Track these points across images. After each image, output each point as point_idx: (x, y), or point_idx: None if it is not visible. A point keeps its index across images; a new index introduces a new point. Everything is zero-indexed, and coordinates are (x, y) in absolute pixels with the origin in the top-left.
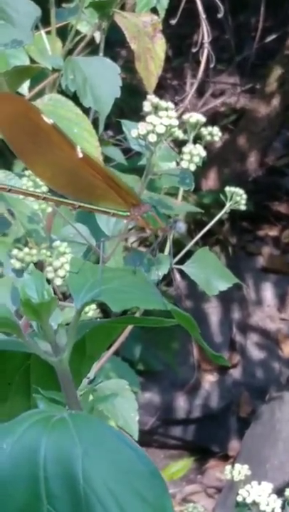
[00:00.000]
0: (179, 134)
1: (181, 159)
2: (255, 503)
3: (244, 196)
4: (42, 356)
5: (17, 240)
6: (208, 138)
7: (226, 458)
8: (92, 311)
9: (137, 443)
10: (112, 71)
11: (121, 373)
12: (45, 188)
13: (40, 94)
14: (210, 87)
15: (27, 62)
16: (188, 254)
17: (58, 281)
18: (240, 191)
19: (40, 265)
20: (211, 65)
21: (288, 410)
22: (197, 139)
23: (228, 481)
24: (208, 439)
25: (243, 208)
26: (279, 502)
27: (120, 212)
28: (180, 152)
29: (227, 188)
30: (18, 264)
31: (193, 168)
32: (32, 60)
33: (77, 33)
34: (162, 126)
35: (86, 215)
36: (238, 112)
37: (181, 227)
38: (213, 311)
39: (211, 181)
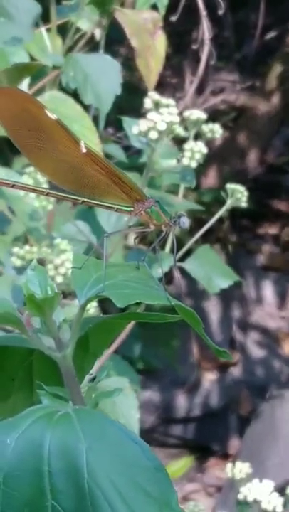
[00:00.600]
0: (180, 131)
1: (182, 156)
2: (256, 501)
3: (245, 193)
4: (45, 352)
5: (16, 238)
6: (209, 135)
7: (226, 456)
8: (93, 308)
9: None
10: (112, 68)
11: (121, 371)
12: (45, 186)
13: (40, 91)
14: (209, 84)
15: (27, 60)
16: (188, 252)
17: (59, 279)
18: (241, 188)
19: (41, 263)
20: (212, 62)
21: None
22: (198, 136)
23: (229, 479)
24: (208, 437)
25: (244, 204)
26: (280, 500)
27: (124, 207)
28: (181, 150)
29: (228, 185)
30: (18, 262)
31: (194, 165)
32: (32, 58)
33: (78, 30)
34: (163, 122)
35: (86, 212)
36: (238, 110)
37: (185, 222)
38: (213, 310)
39: (210, 179)
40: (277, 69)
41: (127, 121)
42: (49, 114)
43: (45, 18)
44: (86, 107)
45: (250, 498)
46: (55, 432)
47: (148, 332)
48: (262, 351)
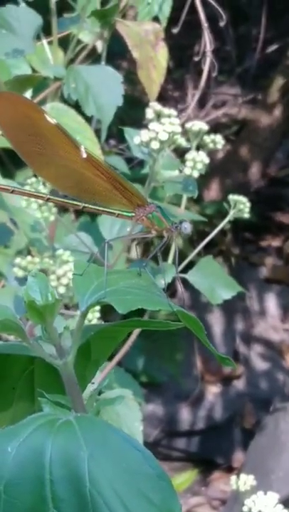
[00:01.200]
0: (182, 141)
1: (184, 167)
2: None
3: (247, 204)
4: (47, 359)
5: (19, 251)
6: (211, 146)
7: (230, 470)
8: (95, 319)
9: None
10: (114, 79)
11: (124, 384)
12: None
13: (42, 103)
14: (211, 98)
15: (29, 72)
16: (191, 265)
17: (62, 290)
18: (243, 199)
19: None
20: (214, 74)
21: None
22: (200, 147)
23: (233, 492)
24: (212, 450)
25: (246, 215)
26: None
27: (125, 212)
28: (182, 161)
29: (230, 196)
30: (21, 273)
31: (196, 175)
32: (34, 70)
33: (79, 42)
34: (165, 133)
35: (89, 225)
36: (240, 123)
37: (187, 227)
38: (217, 322)
39: (213, 192)
40: (278, 82)
41: (128, 131)
42: (49, 118)
43: (46, 30)
44: (88, 118)
45: (254, 511)
46: (56, 439)
47: (151, 345)
48: (265, 364)
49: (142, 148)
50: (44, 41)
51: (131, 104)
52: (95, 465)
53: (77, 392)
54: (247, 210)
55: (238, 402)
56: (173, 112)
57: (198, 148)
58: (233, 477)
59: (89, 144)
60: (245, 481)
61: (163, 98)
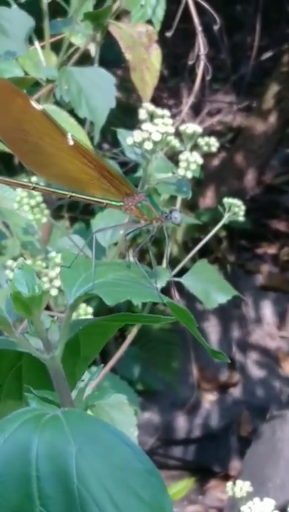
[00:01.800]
0: (176, 143)
1: (178, 167)
2: None
3: (242, 207)
4: (33, 354)
5: (14, 258)
6: (206, 148)
7: (227, 478)
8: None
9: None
10: (107, 81)
11: (120, 391)
12: (39, 198)
13: None
14: (206, 105)
15: (21, 75)
16: (185, 272)
17: (54, 292)
18: (238, 202)
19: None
20: (208, 77)
21: None
22: (194, 150)
23: (230, 500)
24: (208, 458)
25: (241, 219)
26: None
27: (114, 202)
28: (176, 164)
29: (225, 200)
30: (12, 275)
31: (190, 175)
32: (26, 74)
33: (71, 45)
34: (158, 133)
35: (83, 231)
36: (235, 130)
37: (177, 217)
38: (213, 330)
39: (208, 199)
40: (273, 88)
41: (121, 132)
42: (34, 104)
43: (38, 32)
44: (81, 121)
45: None
46: (43, 435)
47: (147, 353)
48: (262, 371)
49: (135, 149)
50: (37, 44)
51: (125, 111)
52: (83, 461)
53: (65, 388)
54: (242, 213)
55: (234, 410)
56: (166, 112)
57: (192, 151)
58: (229, 483)
59: None
60: (241, 487)
61: (157, 105)
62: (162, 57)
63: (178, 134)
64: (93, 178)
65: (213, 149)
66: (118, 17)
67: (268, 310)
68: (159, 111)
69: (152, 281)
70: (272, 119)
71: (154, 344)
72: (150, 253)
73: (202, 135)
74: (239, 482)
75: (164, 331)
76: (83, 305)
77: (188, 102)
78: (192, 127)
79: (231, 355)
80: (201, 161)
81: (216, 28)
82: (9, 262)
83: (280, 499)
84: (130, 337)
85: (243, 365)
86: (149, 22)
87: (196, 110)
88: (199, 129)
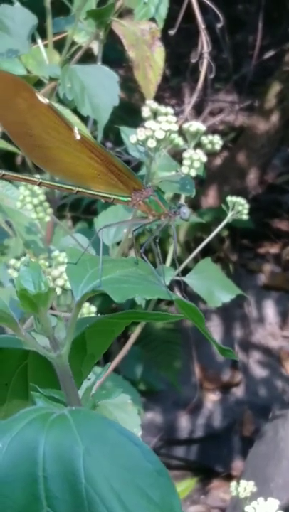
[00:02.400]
0: (179, 141)
1: (181, 166)
2: None
3: (246, 206)
4: (40, 352)
5: (17, 258)
6: (209, 147)
7: (229, 478)
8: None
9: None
10: (110, 79)
11: (123, 392)
12: (42, 197)
13: None
14: (208, 105)
15: (23, 74)
16: (188, 272)
17: (57, 291)
18: (241, 201)
19: None
20: (211, 76)
21: None
22: (197, 148)
23: (232, 500)
24: (211, 458)
25: (245, 217)
26: None
27: (121, 197)
28: (180, 162)
29: (229, 198)
30: (15, 274)
31: (194, 173)
32: (29, 72)
33: (74, 43)
34: (162, 131)
35: (86, 230)
36: (237, 130)
37: (186, 212)
38: (215, 330)
39: (210, 199)
40: (275, 88)
41: (124, 130)
42: (40, 98)
43: (41, 30)
44: (84, 119)
45: None
46: (50, 434)
47: (149, 353)
48: (264, 371)
49: (139, 147)
50: (40, 42)
51: (128, 111)
52: (90, 460)
53: (72, 386)
54: (246, 211)
55: (237, 410)
56: (170, 110)
57: (195, 149)
58: (233, 483)
59: None
60: (245, 487)
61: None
62: (165, 57)
63: (180, 133)
64: (100, 172)
65: (217, 147)
66: (120, 15)
67: (270, 309)
68: (162, 108)
69: (160, 278)
70: (275, 118)
71: (156, 344)
72: (157, 249)
73: (205, 134)
74: (243, 482)
75: (167, 331)
76: (86, 304)
77: (191, 100)
78: (196, 125)
79: None
80: (204, 158)
81: (218, 26)
82: (12, 261)
83: (283, 499)
84: (134, 336)
85: (246, 364)
86: (152, 20)
87: (198, 109)
88: (203, 127)
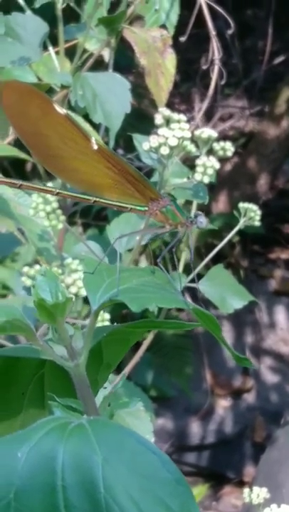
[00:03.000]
0: (192, 147)
1: (194, 172)
2: None
3: (258, 212)
4: (57, 361)
5: (28, 265)
6: (221, 153)
7: (241, 484)
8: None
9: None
10: (122, 86)
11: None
12: (55, 204)
13: None
14: (218, 111)
15: (34, 82)
16: (199, 278)
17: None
18: (253, 207)
19: None
20: (222, 82)
21: None
22: (209, 154)
23: (244, 506)
24: (222, 465)
25: (257, 223)
26: None
27: (138, 207)
28: (191, 169)
29: (241, 204)
30: (29, 282)
31: (207, 180)
32: (40, 80)
33: (85, 51)
34: (175, 138)
35: (97, 237)
36: (247, 135)
37: (203, 221)
38: (226, 336)
39: (221, 204)
40: (286, 93)
41: (137, 137)
42: (58, 108)
43: (51, 38)
44: (96, 126)
45: None
46: (68, 444)
47: (160, 359)
48: (276, 377)
49: (151, 154)
50: (51, 50)
51: (137, 117)
52: (109, 470)
53: (89, 395)
54: (258, 218)
55: (248, 416)
56: (182, 117)
57: (207, 155)
58: (246, 490)
59: None
60: (258, 493)
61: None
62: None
63: (192, 140)
64: (117, 182)
65: (229, 154)
66: (131, 22)
67: (281, 315)
68: (175, 115)
69: (177, 287)
70: (285, 123)
71: (167, 350)
72: (173, 259)
73: (217, 140)
74: (256, 488)
75: (178, 337)
76: (100, 311)
77: (202, 107)
78: (207, 132)
79: None
80: (218, 165)
81: (229, 32)
82: (25, 269)
83: None
84: (146, 343)
85: (257, 370)
86: (163, 27)
87: (208, 115)
88: (214, 134)
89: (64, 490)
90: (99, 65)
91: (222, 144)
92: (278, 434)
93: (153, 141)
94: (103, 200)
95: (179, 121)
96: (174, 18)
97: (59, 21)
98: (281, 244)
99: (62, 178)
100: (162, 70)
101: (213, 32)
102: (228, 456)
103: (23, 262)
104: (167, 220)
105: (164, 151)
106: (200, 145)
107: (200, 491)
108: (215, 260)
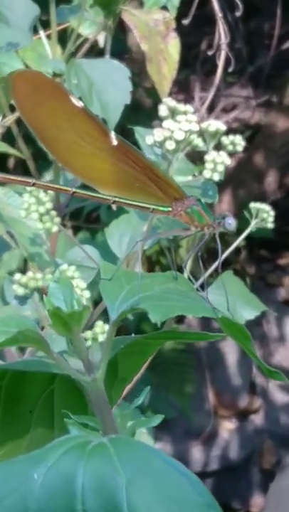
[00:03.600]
0: (199, 142)
1: (203, 168)
2: None
3: (271, 213)
4: (73, 376)
5: (10, 273)
6: (230, 148)
7: None
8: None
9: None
10: (120, 74)
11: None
12: (49, 205)
13: None
14: (221, 101)
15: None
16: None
17: None
18: (266, 207)
19: (43, 292)
20: (230, 69)
21: None
22: (217, 149)
23: None
24: (227, 494)
25: (270, 225)
26: None
27: (161, 207)
28: (197, 166)
29: (252, 204)
30: (21, 290)
31: (217, 178)
32: (27, 67)
33: (80, 35)
34: (181, 131)
35: (89, 241)
36: (253, 128)
37: (231, 223)
38: (230, 351)
39: (225, 205)
40: None
41: (139, 131)
42: (74, 101)
43: (43, 25)
44: None
45: None
46: (89, 464)
47: (158, 377)
48: (286, 396)
49: (155, 149)
50: (42, 34)
51: (132, 107)
52: (134, 492)
53: (108, 412)
54: (271, 219)
55: (256, 440)
56: (189, 108)
57: (216, 150)
58: None
59: None
60: None
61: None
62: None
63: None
64: (138, 180)
65: (239, 149)
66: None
67: None
68: (181, 106)
69: (204, 294)
70: None
71: (165, 366)
72: (200, 264)
73: (226, 133)
74: None
75: (177, 352)
76: (100, 322)
77: (205, 96)
78: (215, 124)
79: (251, 379)
80: (228, 161)
81: (237, 14)
82: (17, 276)
83: None
84: (148, 359)
85: (265, 389)
86: (164, 8)
87: (209, 106)
88: (223, 127)
89: None
90: (91, 51)
91: (232, 137)
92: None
93: (157, 134)
94: (123, 200)
95: (185, 113)
96: None
97: (51, 2)
98: None
99: (79, 175)
100: (165, 56)
101: (219, 14)
102: (234, 484)
103: (6, 268)
104: (193, 221)
105: (170, 145)
106: (207, 139)
107: None
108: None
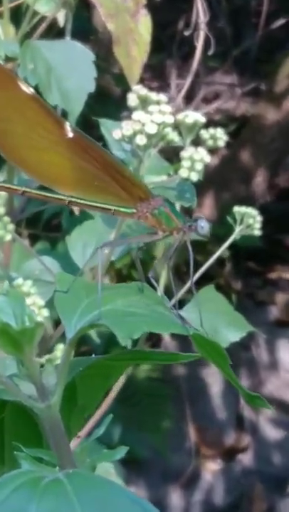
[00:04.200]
0: (174, 136)
1: (179, 167)
2: None
3: (258, 218)
4: (25, 402)
5: None
6: (211, 143)
7: None
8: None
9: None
10: (83, 58)
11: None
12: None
13: None
14: (201, 88)
15: None
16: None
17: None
18: (252, 212)
19: None
20: (211, 52)
21: None
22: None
23: None
24: None
25: (257, 233)
26: None
27: (123, 208)
28: (172, 164)
29: (236, 208)
30: None
31: (195, 178)
32: None
33: (36, 13)
34: (154, 124)
35: (48, 252)
36: (239, 120)
37: (204, 226)
38: (215, 380)
39: (206, 209)
40: (287, 66)
41: (105, 123)
42: (24, 87)
43: None
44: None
45: None
46: (42, 502)
47: (130, 410)
48: (278, 432)
49: (124, 144)
50: None
51: (97, 97)
52: None
53: (64, 444)
54: (257, 226)
55: (244, 482)
56: (163, 97)
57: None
58: None
59: None
60: None
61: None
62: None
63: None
64: (98, 179)
65: (221, 144)
66: None
67: (285, 352)
68: (153, 95)
69: (172, 308)
70: (287, 104)
71: (138, 398)
72: (170, 274)
73: (207, 126)
74: None
75: (152, 381)
76: (61, 345)
77: (182, 83)
78: (193, 116)
79: (238, 412)
80: (208, 159)
81: None
82: None
83: None
84: (116, 389)
85: (255, 424)
86: None
87: (187, 95)
88: (202, 119)
89: None
90: (49, 31)
91: (212, 131)
92: (282, 505)
93: (126, 128)
94: (80, 201)
95: (158, 103)
96: None
97: None
98: (284, 261)
99: (31, 173)
100: (135, 36)
101: None
102: None
103: None
104: (160, 224)
105: (141, 140)
106: (183, 133)
107: None
108: (199, 282)
